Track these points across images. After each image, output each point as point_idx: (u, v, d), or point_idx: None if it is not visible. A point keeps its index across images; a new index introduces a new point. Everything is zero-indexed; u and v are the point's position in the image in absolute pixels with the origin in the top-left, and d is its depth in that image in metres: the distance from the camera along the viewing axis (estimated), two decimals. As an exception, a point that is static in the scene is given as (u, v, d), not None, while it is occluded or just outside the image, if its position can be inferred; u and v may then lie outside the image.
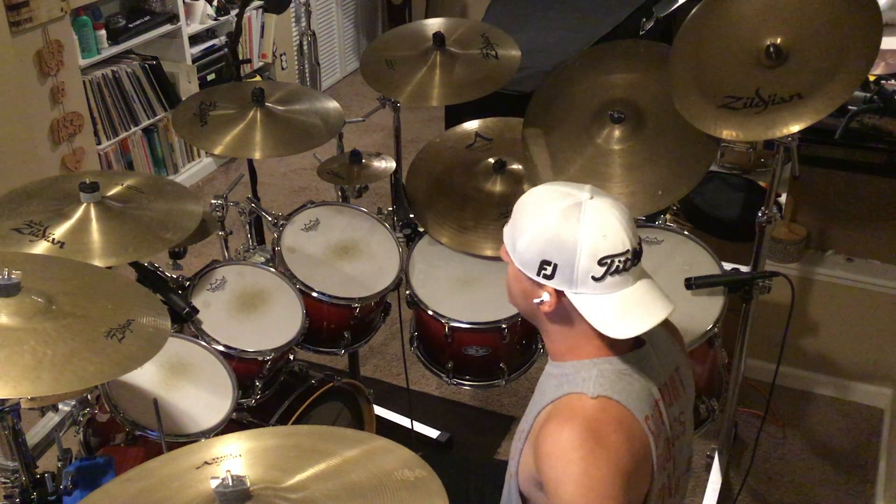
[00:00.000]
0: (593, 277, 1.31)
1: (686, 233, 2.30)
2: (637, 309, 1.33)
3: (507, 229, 1.42)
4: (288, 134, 2.33)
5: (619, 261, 1.31)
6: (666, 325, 1.57)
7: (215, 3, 4.57)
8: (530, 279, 1.37)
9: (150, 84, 4.19)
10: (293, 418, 2.14)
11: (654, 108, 2.16)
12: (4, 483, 1.68)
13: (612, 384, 1.35)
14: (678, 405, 1.47)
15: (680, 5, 2.87)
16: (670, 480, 1.45)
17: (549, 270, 1.33)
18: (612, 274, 1.31)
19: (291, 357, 2.23)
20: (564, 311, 1.37)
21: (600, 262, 1.30)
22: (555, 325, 1.41)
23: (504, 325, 2.20)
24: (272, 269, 2.25)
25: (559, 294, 1.35)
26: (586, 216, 1.31)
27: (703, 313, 2.12)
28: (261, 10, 4.85)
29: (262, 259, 2.37)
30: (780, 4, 1.95)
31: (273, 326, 2.14)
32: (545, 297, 1.36)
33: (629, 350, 1.41)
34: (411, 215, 2.47)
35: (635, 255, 1.33)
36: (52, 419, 1.94)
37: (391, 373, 3.18)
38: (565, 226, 1.31)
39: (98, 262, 1.73)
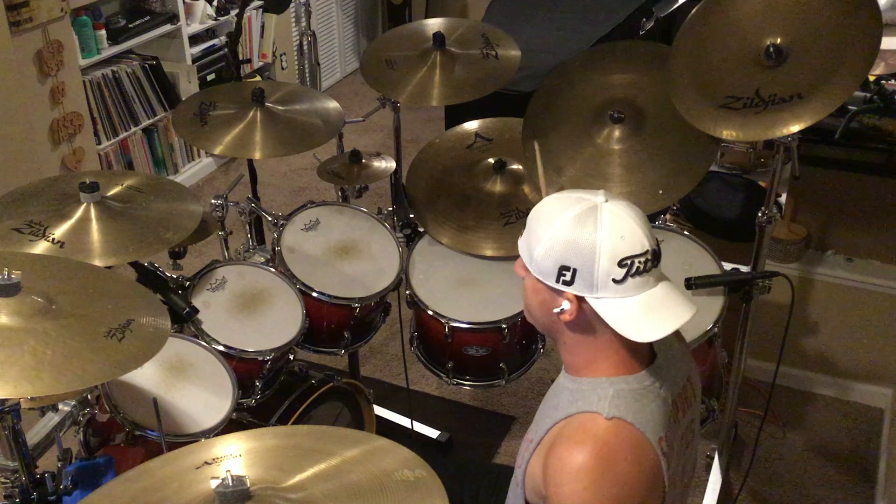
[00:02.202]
0: (614, 280, 1.29)
1: (686, 233, 2.30)
2: (660, 311, 1.31)
3: (521, 242, 1.40)
4: (288, 134, 2.33)
5: (640, 262, 1.29)
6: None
7: (215, 3, 4.57)
8: (550, 288, 1.35)
9: (150, 84, 4.19)
10: (293, 418, 2.14)
11: (654, 108, 2.16)
12: (4, 483, 1.67)
13: (627, 405, 1.33)
14: (690, 414, 1.47)
15: (680, 5, 2.87)
16: (679, 490, 1.45)
17: (568, 276, 1.32)
18: (632, 276, 1.29)
19: (291, 357, 2.23)
20: (586, 319, 1.35)
21: (620, 264, 1.29)
22: (575, 336, 1.39)
23: (504, 325, 2.20)
24: (272, 269, 2.25)
25: (580, 300, 1.33)
26: (603, 219, 1.30)
27: (703, 313, 2.12)
28: (261, 10, 4.85)
29: (262, 259, 2.37)
30: (780, 4, 1.95)
31: (273, 326, 2.14)
32: (565, 305, 1.34)
33: (647, 366, 1.39)
34: (411, 215, 2.47)
35: (655, 256, 1.32)
36: (52, 419, 1.94)
37: (391, 373, 3.18)
38: (582, 230, 1.30)
39: (98, 262, 1.73)
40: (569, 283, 1.32)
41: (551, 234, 1.33)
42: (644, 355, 1.40)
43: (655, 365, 1.41)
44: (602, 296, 1.31)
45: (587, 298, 1.32)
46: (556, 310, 1.35)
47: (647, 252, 1.30)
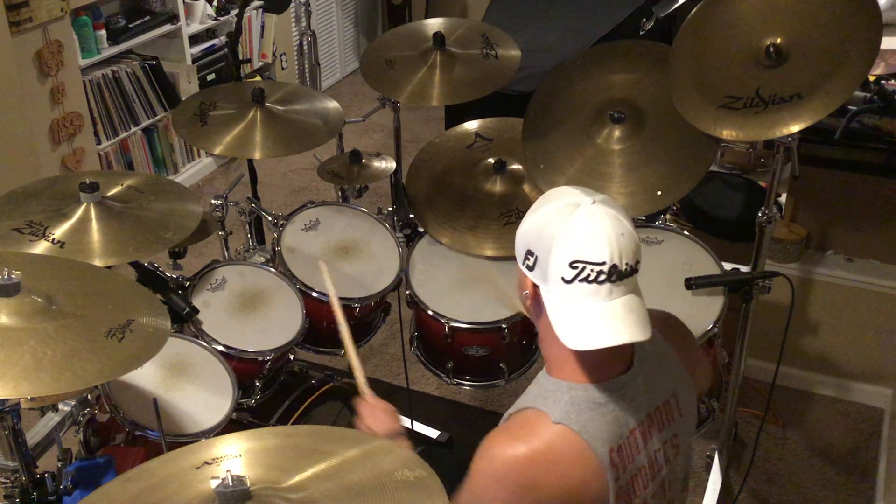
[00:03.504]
0: (563, 279, 1.28)
1: (686, 233, 2.30)
2: (600, 325, 1.27)
3: None
4: (288, 134, 2.33)
5: (592, 270, 1.26)
6: (679, 336, 1.54)
7: (215, 3, 4.57)
8: (520, 268, 1.37)
9: (150, 84, 4.19)
10: (293, 418, 2.15)
11: (654, 108, 2.16)
12: (4, 483, 1.68)
13: (578, 414, 1.33)
14: (670, 429, 1.44)
15: (680, 5, 2.87)
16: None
17: (531, 261, 1.33)
18: (581, 281, 1.27)
19: (291, 357, 2.23)
20: (541, 309, 1.36)
21: (571, 265, 1.27)
22: (541, 324, 1.39)
23: (504, 325, 2.20)
24: (272, 269, 2.25)
25: (536, 288, 1.34)
26: (576, 217, 1.28)
27: (703, 313, 2.12)
28: (261, 10, 4.85)
29: (262, 259, 2.37)
30: (780, 4, 1.95)
31: (273, 326, 2.14)
32: (527, 289, 1.36)
33: (613, 377, 1.37)
34: (411, 215, 2.47)
35: (614, 272, 1.26)
36: (52, 419, 1.94)
37: (391, 373, 3.18)
38: (553, 221, 1.30)
39: (98, 262, 1.73)
40: (530, 269, 1.34)
41: (533, 216, 1.35)
42: (617, 365, 1.38)
43: (627, 377, 1.38)
44: (551, 290, 1.31)
45: (541, 288, 1.33)
46: (524, 292, 1.37)
47: (603, 264, 1.26)
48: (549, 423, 1.32)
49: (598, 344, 1.27)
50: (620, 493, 1.36)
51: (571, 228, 1.28)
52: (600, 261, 1.26)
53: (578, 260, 1.27)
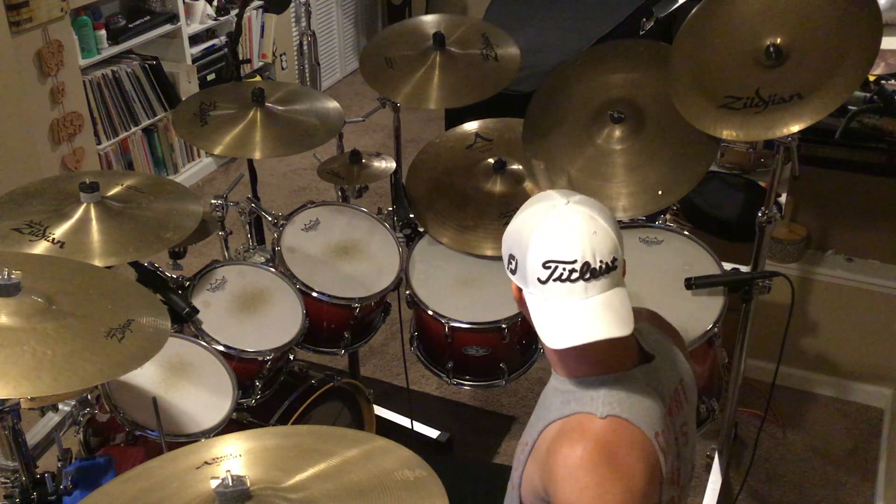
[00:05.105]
0: (539, 279, 1.29)
1: (686, 233, 2.30)
2: (576, 322, 1.28)
3: None
4: (288, 134, 2.33)
5: (565, 269, 1.27)
6: (670, 332, 1.56)
7: (215, 3, 4.57)
8: (507, 272, 1.38)
9: (150, 84, 4.19)
10: (293, 418, 2.14)
11: (654, 108, 2.16)
12: (4, 483, 1.68)
13: (620, 402, 1.32)
14: (682, 416, 1.46)
15: (680, 5, 2.87)
16: (676, 491, 1.45)
17: (513, 265, 1.34)
18: (555, 280, 1.28)
19: (291, 357, 2.23)
20: (527, 311, 1.36)
21: (544, 265, 1.28)
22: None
23: (504, 325, 2.20)
24: (272, 269, 2.25)
25: (520, 292, 1.35)
26: (549, 218, 1.30)
27: (703, 313, 2.12)
28: (261, 10, 4.85)
29: (262, 259, 2.37)
30: (780, 4, 1.95)
31: (273, 326, 2.14)
32: (515, 293, 1.37)
33: (635, 365, 1.38)
34: (411, 215, 2.47)
35: (587, 270, 1.27)
36: (52, 419, 1.94)
37: (391, 373, 3.18)
38: (529, 224, 1.32)
39: (98, 262, 1.73)
40: (514, 273, 1.35)
41: (515, 220, 1.36)
42: (628, 355, 1.39)
43: (651, 365, 1.40)
44: (531, 292, 1.32)
45: (524, 291, 1.34)
46: (515, 295, 1.38)
47: (575, 262, 1.27)
48: (597, 420, 1.31)
49: (573, 341, 1.27)
50: (668, 477, 1.36)
51: (545, 230, 1.29)
52: (571, 259, 1.27)
53: (551, 260, 1.28)
